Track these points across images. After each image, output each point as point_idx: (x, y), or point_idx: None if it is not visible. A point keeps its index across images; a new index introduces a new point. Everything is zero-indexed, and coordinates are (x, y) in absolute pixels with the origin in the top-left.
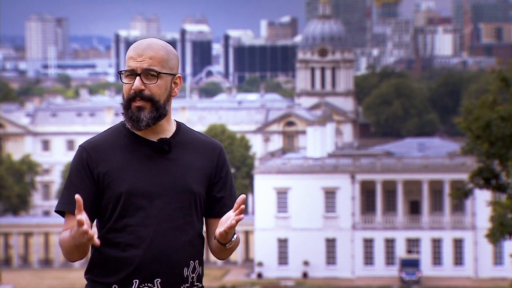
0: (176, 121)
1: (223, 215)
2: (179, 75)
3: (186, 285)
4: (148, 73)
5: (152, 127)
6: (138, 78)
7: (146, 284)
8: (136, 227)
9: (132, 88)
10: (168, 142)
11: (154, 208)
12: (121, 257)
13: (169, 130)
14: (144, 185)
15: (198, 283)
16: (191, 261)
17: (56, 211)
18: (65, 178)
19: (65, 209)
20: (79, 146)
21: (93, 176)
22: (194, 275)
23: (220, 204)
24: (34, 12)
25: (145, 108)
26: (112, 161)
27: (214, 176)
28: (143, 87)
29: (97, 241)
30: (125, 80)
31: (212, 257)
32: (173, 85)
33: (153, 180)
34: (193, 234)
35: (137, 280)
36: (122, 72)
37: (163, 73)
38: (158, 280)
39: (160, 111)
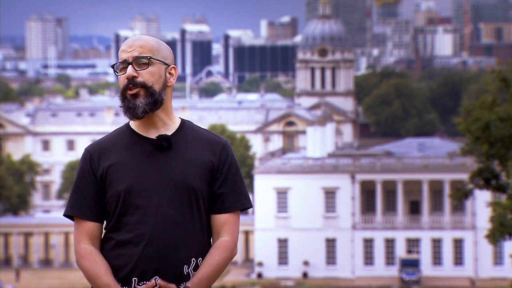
0: (181, 118)
1: (225, 211)
2: (174, 66)
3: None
4: (139, 61)
5: (152, 122)
6: (130, 66)
7: (145, 282)
8: (135, 225)
9: (125, 76)
10: (167, 139)
11: (152, 205)
12: (119, 255)
13: (170, 125)
14: (142, 182)
15: None
16: (193, 259)
17: (64, 215)
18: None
19: (73, 213)
20: (85, 149)
21: (96, 179)
22: (196, 272)
23: (221, 199)
24: (34, 12)
25: (139, 94)
26: (112, 161)
27: (216, 171)
28: (135, 74)
29: None
30: (119, 73)
31: None
32: (168, 75)
33: (151, 177)
34: (195, 231)
35: (136, 278)
36: (115, 65)
37: (154, 59)
38: (157, 278)
39: (155, 96)
